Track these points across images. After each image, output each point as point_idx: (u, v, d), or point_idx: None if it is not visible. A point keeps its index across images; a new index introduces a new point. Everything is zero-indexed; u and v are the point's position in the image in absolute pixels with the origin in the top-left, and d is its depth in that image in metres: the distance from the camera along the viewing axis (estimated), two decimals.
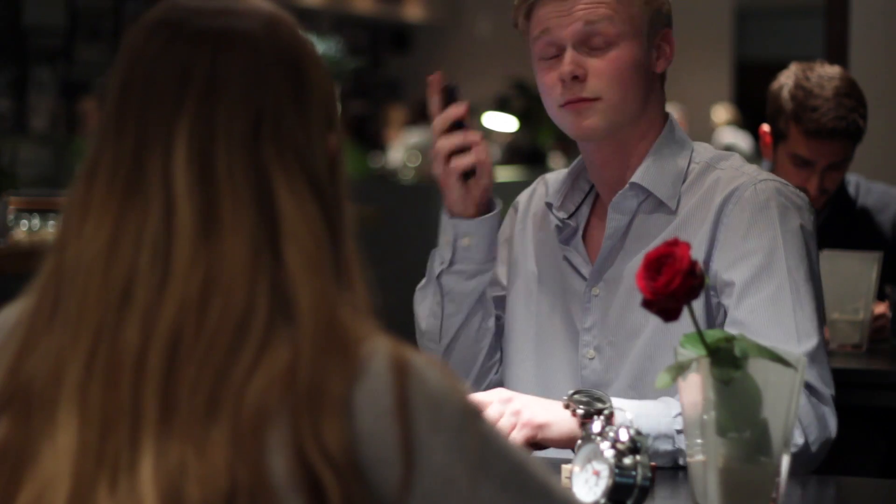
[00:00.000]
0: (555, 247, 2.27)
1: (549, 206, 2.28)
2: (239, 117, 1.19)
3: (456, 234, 2.22)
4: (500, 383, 2.31)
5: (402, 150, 10.50)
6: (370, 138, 12.19)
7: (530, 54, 2.22)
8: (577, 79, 2.14)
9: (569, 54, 2.14)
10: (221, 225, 1.17)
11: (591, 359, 2.19)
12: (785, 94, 3.26)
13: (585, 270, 2.23)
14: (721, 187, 2.15)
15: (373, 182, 9.12)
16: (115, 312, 1.16)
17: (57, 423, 1.15)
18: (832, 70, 3.27)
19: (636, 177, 2.17)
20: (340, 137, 1.26)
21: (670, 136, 2.21)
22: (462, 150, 2.19)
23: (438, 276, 2.25)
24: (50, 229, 4.62)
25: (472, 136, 2.20)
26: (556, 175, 2.33)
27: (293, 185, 1.19)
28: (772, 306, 2.06)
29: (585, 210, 2.27)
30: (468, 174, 2.20)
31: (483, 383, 2.30)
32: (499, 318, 2.32)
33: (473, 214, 2.21)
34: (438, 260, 2.26)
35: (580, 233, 2.25)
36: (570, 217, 2.26)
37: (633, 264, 2.17)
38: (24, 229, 4.60)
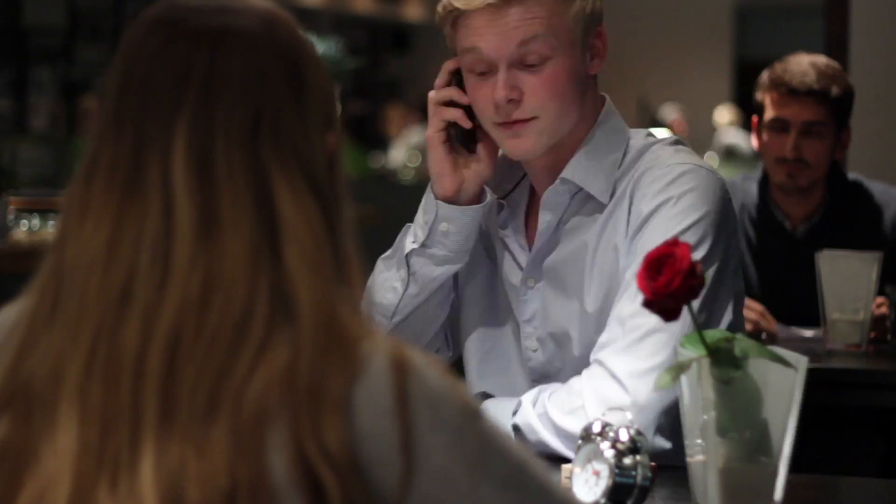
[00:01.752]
0: (495, 231, 2.22)
1: (489, 191, 2.21)
2: (238, 116, 1.19)
3: (436, 217, 2.15)
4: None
5: (402, 149, 10.50)
6: (370, 138, 12.20)
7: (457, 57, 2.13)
8: (513, 101, 2.06)
9: (502, 76, 2.05)
10: (221, 224, 1.17)
11: (535, 350, 2.16)
12: (764, 74, 3.43)
13: (523, 259, 2.18)
14: (643, 175, 2.08)
15: (373, 182, 9.12)
16: (115, 312, 1.16)
17: (57, 423, 1.15)
18: (815, 56, 3.45)
19: (566, 172, 2.11)
20: (339, 136, 1.26)
21: (604, 126, 2.14)
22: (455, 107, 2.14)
23: (408, 255, 2.17)
24: (50, 229, 4.62)
25: (465, 97, 2.13)
26: None
27: (292, 184, 1.19)
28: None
29: (521, 196, 2.21)
30: (461, 142, 2.15)
31: None
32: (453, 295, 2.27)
33: (458, 199, 2.15)
34: (411, 237, 2.19)
35: (520, 218, 2.20)
36: (505, 197, 2.21)
37: (565, 256, 2.12)
38: (24, 229, 4.61)
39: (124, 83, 1.21)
